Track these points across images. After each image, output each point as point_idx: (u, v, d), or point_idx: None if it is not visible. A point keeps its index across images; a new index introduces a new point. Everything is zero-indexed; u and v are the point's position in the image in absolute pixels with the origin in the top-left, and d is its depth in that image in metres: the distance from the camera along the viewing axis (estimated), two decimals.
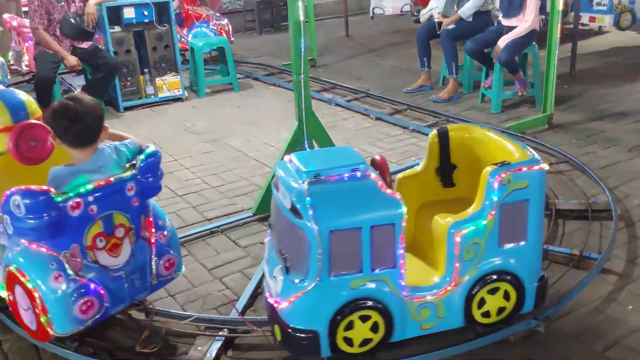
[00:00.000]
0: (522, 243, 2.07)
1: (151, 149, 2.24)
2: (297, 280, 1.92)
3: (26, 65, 6.16)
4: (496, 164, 2.01)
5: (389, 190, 1.92)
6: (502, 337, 2.18)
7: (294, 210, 1.88)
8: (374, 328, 1.99)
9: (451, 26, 5.18)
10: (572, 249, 2.68)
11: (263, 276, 2.34)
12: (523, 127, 4.33)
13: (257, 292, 2.56)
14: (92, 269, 2.08)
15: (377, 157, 2.10)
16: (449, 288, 2.03)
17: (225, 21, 7.06)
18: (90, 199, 2.03)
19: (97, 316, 2.09)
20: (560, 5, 4.07)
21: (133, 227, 2.17)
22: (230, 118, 5.18)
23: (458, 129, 2.43)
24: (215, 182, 3.83)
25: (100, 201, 2.05)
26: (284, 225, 1.98)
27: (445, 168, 2.42)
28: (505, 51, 4.66)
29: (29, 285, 2.00)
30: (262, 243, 2.73)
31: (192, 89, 6.07)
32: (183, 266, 2.43)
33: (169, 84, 5.63)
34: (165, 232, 2.30)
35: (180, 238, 3.06)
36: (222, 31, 6.88)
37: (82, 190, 2.01)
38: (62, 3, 5.00)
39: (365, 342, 2.01)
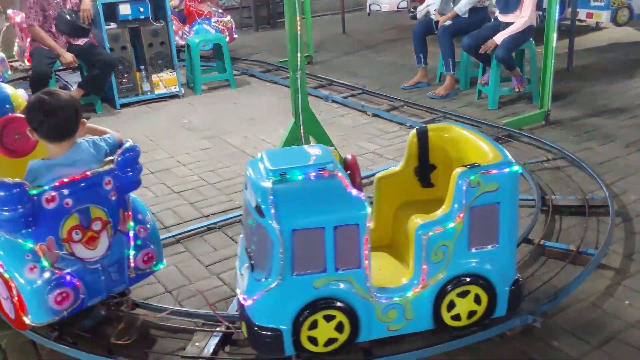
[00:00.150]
0: (494, 246, 2.03)
1: (130, 143, 2.26)
2: (261, 279, 1.93)
3: (29, 61, 6.13)
4: (465, 166, 1.98)
5: (354, 191, 1.90)
6: (499, 332, 2.18)
7: (258, 208, 1.88)
8: (339, 328, 1.98)
9: (448, 22, 5.18)
10: (569, 245, 2.68)
11: None
12: (520, 124, 4.33)
13: None
14: (68, 261, 2.12)
15: (349, 157, 2.09)
16: (416, 290, 2.01)
17: (228, 18, 6.99)
18: (66, 192, 2.06)
19: (73, 307, 2.13)
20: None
21: (111, 221, 2.20)
22: (227, 115, 5.17)
23: (437, 129, 2.38)
24: (212, 179, 3.82)
25: (76, 195, 2.09)
26: (250, 223, 1.99)
27: (423, 168, 2.39)
28: (502, 47, 4.65)
29: (6, 276, 2.06)
30: None
31: (189, 86, 6.05)
32: (164, 260, 2.44)
33: (166, 80, 5.61)
34: (145, 226, 2.33)
35: (177, 235, 3.09)
36: (225, 28, 6.81)
37: (56, 183, 2.05)
38: (58, 0, 4.98)
39: (330, 341, 2.00)
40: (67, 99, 2.14)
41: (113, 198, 2.20)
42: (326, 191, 1.90)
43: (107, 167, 2.18)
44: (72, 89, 5.29)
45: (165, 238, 3.07)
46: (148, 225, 2.35)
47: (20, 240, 2.05)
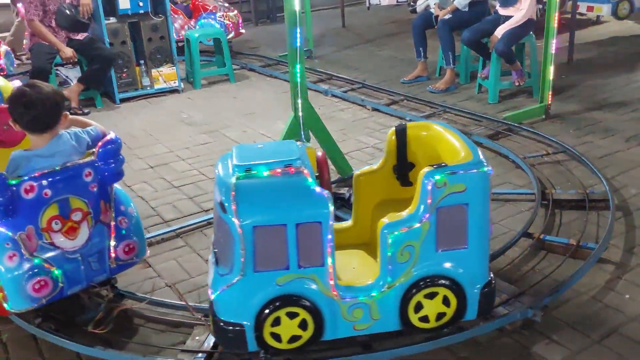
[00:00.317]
0: (463, 248, 1.99)
1: (111, 136, 2.28)
2: (224, 274, 1.94)
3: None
4: (432, 166, 1.94)
5: (318, 188, 1.88)
6: (499, 326, 2.18)
7: (221, 204, 1.88)
8: (303, 325, 1.97)
9: (448, 16, 5.16)
10: (569, 239, 2.68)
11: None
12: (520, 118, 4.32)
13: None
14: (48, 250, 2.15)
15: (319, 154, 2.09)
16: (382, 290, 1.99)
17: (234, 12, 6.92)
18: (45, 183, 2.10)
19: (52, 295, 2.16)
20: None
21: (91, 212, 2.23)
22: (226, 109, 5.16)
23: (416, 127, 2.35)
24: (212, 174, 3.81)
25: (55, 185, 2.12)
26: (216, 218, 1.98)
27: (402, 166, 2.35)
28: (502, 41, 4.64)
29: None
30: None
31: (188, 80, 6.04)
32: (147, 251, 2.47)
33: (165, 75, 5.60)
34: (127, 218, 2.35)
35: (177, 229, 3.10)
36: (231, 22, 6.74)
37: (35, 174, 2.09)
38: None
39: (294, 338, 1.99)
40: (48, 92, 2.17)
41: (94, 189, 2.23)
42: (290, 188, 1.89)
43: (87, 159, 2.22)
44: (72, 84, 5.28)
45: (165, 232, 3.08)
46: (128, 217, 2.36)
47: (0, 229, 2.08)
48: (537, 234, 2.74)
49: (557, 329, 2.19)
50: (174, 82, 5.66)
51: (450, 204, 1.93)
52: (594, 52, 6.18)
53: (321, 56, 6.85)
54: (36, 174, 2.09)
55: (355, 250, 2.34)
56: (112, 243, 2.30)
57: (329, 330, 2.01)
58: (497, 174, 3.53)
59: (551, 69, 4.25)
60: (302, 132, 3.27)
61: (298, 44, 3.06)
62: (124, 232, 2.33)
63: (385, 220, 1.97)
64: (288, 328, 1.97)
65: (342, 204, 3.05)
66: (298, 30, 3.05)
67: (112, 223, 2.30)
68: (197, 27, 6.70)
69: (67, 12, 4.97)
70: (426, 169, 1.93)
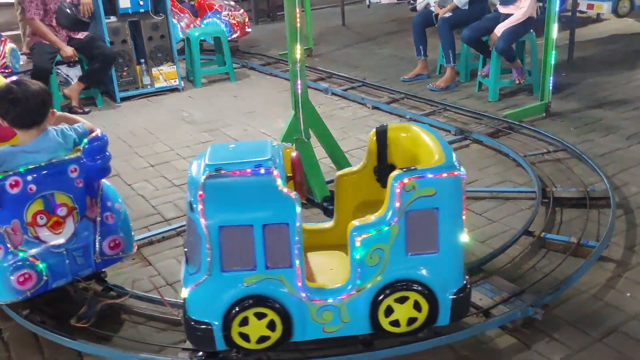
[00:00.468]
0: (434, 253, 1.96)
1: (97, 132, 2.32)
2: (192, 272, 1.94)
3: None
4: (402, 169, 1.92)
5: (286, 189, 1.88)
6: (500, 324, 2.18)
7: (190, 203, 1.89)
8: (271, 326, 1.97)
9: (448, 14, 5.16)
10: (570, 237, 2.68)
11: None
12: (520, 116, 4.32)
13: None
14: (33, 244, 2.20)
15: (293, 154, 2.09)
16: (352, 293, 1.97)
17: (241, 11, 6.82)
18: (29, 178, 2.15)
19: (37, 288, 2.21)
20: None
21: (77, 207, 2.26)
22: (227, 108, 5.16)
23: (396, 129, 2.32)
24: None
25: (40, 181, 2.17)
26: (187, 217, 1.99)
27: (382, 168, 2.32)
28: (502, 39, 4.63)
29: None
30: None
31: (189, 79, 6.04)
32: (134, 247, 2.49)
33: (166, 74, 5.60)
34: (113, 214, 2.38)
35: (177, 227, 3.09)
36: (236, 22, 6.65)
37: (20, 169, 2.14)
38: None
39: (263, 339, 1.99)
40: (34, 89, 2.21)
41: (79, 185, 2.26)
42: (258, 189, 1.88)
43: (73, 155, 2.25)
44: (72, 83, 5.29)
45: (166, 231, 3.08)
46: (114, 213, 2.39)
47: None
48: (537, 232, 2.74)
49: (558, 327, 2.19)
50: (175, 81, 5.65)
51: (419, 208, 1.91)
52: (594, 50, 6.18)
53: (321, 54, 6.85)
54: (20, 169, 2.14)
55: (335, 251, 2.33)
56: (98, 238, 2.33)
57: (297, 332, 2.00)
58: (497, 172, 3.54)
59: (551, 67, 4.24)
60: (303, 131, 3.27)
61: (298, 42, 3.05)
62: (110, 227, 2.36)
63: (354, 222, 1.96)
64: (256, 328, 1.97)
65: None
66: (298, 28, 3.05)
67: (98, 218, 2.34)
68: (203, 26, 6.68)
69: (68, 11, 4.97)
70: (395, 172, 1.92)
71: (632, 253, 2.62)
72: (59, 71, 5.41)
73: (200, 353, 2.09)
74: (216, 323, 1.95)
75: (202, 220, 1.84)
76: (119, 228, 2.39)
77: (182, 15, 6.66)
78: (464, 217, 1.99)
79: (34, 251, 2.20)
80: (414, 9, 6.26)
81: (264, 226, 1.86)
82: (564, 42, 5.56)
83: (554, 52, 4.21)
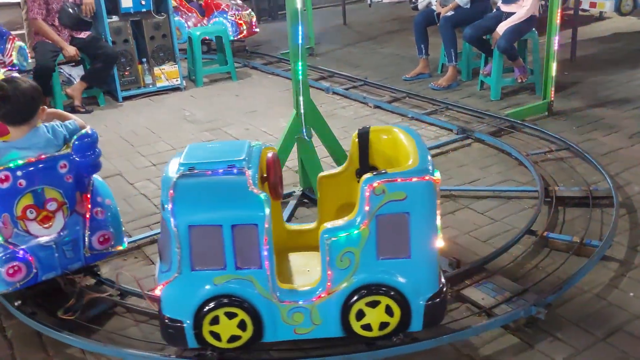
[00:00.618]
0: (406, 257, 1.94)
1: (87, 129, 2.37)
2: (165, 270, 1.96)
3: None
4: (372, 172, 1.92)
5: (256, 190, 1.87)
6: (503, 323, 2.18)
7: (162, 202, 1.90)
8: (242, 326, 1.98)
9: (449, 13, 5.15)
10: (572, 236, 2.67)
11: None
12: (523, 114, 4.31)
13: None
14: (23, 237, 2.26)
15: (269, 155, 2.09)
16: (322, 295, 1.96)
17: (248, 11, 6.77)
18: (19, 173, 2.21)
19: (26, 280, 2.27)
20: None
21: (67, 202, 2.32)
22: (228, 107, 5.16)
23: (378, 131, 2.30)
24: None
25: (29, 176, 2.22)
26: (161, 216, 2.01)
27: (364, 170, 2.29)
28: (504, 38, 4.63)
29: None
30: None
31: (191, 78, 6.04)
32: (125, 242, 2.52)
33: (167, 73, 5.60)
34: (104, 209, 2.43)
35: None
36: (243, 22, 6.62)
37: (10, 165, 2.19)
38: None
39: (234, 338, 2.00)
40: (24, 87, 2.27)
41: (69, 181, 2.31)
42: (228, 189, 1.88)
43: (62, 151, 2.30)
44: (75, 82, 5.29)
45: None
46: (104, 209, 2.43)
47: None
48: (540, 232, 2.73)
49: (561, 326, 2.18)
50: (176, 80, 5.66)
51: (390, 212, 1.88)
52: (596, 48, 6.16)
53: (323, 54, 6.84)
54: (10, 165, 2.19)
55: (316, 252, 2.32)
56: (87, 233, 2.38)
57: (268, 332, 2.00)
58: (500, 171, 3.53)
59: (554, 66, 4.24)
60: (304, 130, 3.26)
61: (300, 41, 3.05)
62: (99, 222, 2.40)
63: (326, 225, 1.96)
64: (227, 327, 1.98)
65: None
66: (300, 28, 3.04)
67: (88, 214, 2.38)
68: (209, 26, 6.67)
69: (70, 10, 4.98)
70: (365, 175, 1.91)
71: (635, 252, 2.61)
72: (62, 70, 5.42)
73: (209, 352, 2.08)
74: (188, 321, 1.97)
75: (172, 219, 1.86)
76: (108, 223, 2.43)
77: (189, 14, 6.66)
78: (438, 222, 1.97)
79: (23, 244, 2.25)
80: (416, 8, 6.25)
81: (233, 226, 1.87)
82: (566, 40, 5.54)
83: (556, 50, 4.19)
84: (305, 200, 3.33)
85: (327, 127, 3.40)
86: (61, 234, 2.31)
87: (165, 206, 1.87)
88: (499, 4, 4.88)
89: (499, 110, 4.48)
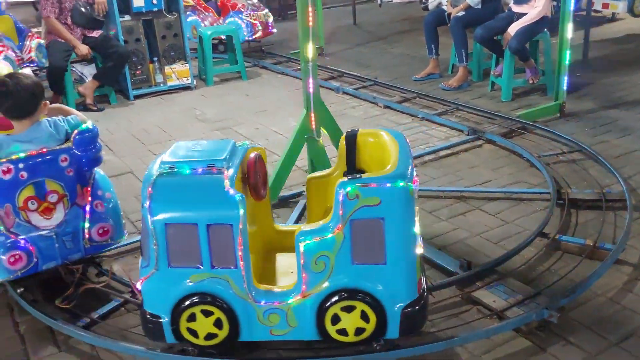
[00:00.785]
0: (381, 264, 1.91)
1: (89, 124, 2.44)
2: (144, 265, 2.00)
3: None
4: (347, 176, 1.90)
5: (232, 191, 1.88)
6: (515, 326, 2.16)
7: (142, 199, 1.93)
8: (218, 324, 1.98)
9: (460, 13, 5.13)
10: (585, 239, 2.65)
11: None
12: (534, 116, 4.28)
13: None
14: (24, 227, 2.34)
15: (252, 156, 2.10)
16: (297, 298, 1.96)
17: (265, 11, 6.72)
18: (21, 165, 2.29)
19: (27, 269, 2.34)
20: None
21: (67, 195, 2.39)
22: (239, 106, 5.17)
23: (366, 134, 2.29)
24: None
25: (31, 168, 2.30)
26: None
27: (351, 173, 2.25)
28: (516, 38, 4.60)
29: None
30: None
31: (201, 78, 6.06)
32: (125, 234, 2.58)
33: (178, 72, 5.62)
34: (104, 202, 2.49)
35: None
36: (258, 22, 6.59)
37: (12, 157, 2.27)
38: None
39: (211, 336, 2.01)
40: (26, 83, 2.35)
41: (70, 174, 2.38)
42: (205, 188, 1.90)
43: (64, 146, 2.37)
44: (87, 81, 5.32)
45: None
46: (108, 201, 2.49)
47: None
48: (552, 234, 2.71)
49: (574, 330, 2.16)
50: (187, 79, 5.68)
51: (364, 217, 1.87)
52: (609, 49, 6.11)
53: (333, 53, 6.84)
54: (13, 157, 2.27)
55: None
56: (87, 225, 2.43)
57: (244, 332, 2.01)
58: (511, 172, 3.51)
59: (566, 67, 4.20)
60: (314, 129, 3.26)
61: (310, 40, 3.04)
62: (99, 215, 2.46)
63: (303, 227, 1.96)
64: (203, 325, 1.99)
65: None
66: (310, 27, 3.04)
67: (88, 206, 2.44)
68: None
69: (83, 9, 5.02)
70: (340, 179, 1.90)
71: None
72: (74, 69, 5.46)
73: (190, 349, 2.08)
74: (165, 317, 2.00)
75: (149, 216, 1.89)
76: (108, 216, 2.49)
77: (206, 13, 6.68)
78: (416, 229, 1.94)
79: (24, 234, 2.33)
80: (426, 8, 6.24)
81: (209, 226, 1.88)
82: (578, 41, 5.50)
83: (568, 51, 4.16)
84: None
85: (337, 127, 3.39)
86: (61, 225, 2.38)
87: (144, 204, 1.91)
88: (511, 4, 4.85)
89: (510, 111, 4.46)
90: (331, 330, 1.99)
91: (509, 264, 2.56)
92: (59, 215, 2.37)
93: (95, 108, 5.15)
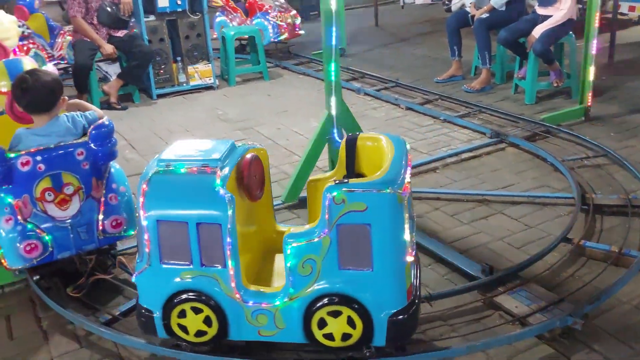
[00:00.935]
0: (367, 270, 1.89)
1: (104, 120, 2.51)
2: (138, 261, 2.04)
3: None
4: (335, 181, 1.89)
5: (222, 191, 1.89)
6: (537, 333, 2.14)
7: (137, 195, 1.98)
8: (207, 322, 2.00)
9: (484, 15, 5.09)
10: (610, 246, 2.61)
11: None
12: (558, 119, 4.23)
13: None
14: (41, 217, 2.41)
15: (247, 156, 2.11)
16: (285, 300, 1.96)
17: (293, 13, 6.72)
18: (39, 158, 2.37)
19: (42, 258, 2.41)
20: None
21: (83, 187, 2.47)
22: (260, 106, 5.20)
23: (366, 138, 2.28)
24: None
25: (48, 161, 2.38)
26: None
27: (350, 177, 2.26)
28: (541, 41, 4.55)
29: None
30: None
31: (223, 78, 6.10)
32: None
33: (201, 72, 5.67)
34: (118, 195, 2.55)
35: None
36: (284, 23, 6.58)
37: (31, 150, 2.36)
38: None
39: (201, 333, 2.03)
40: (45, 80, 2.42)
41: (86, 167, 2.45)
42: (196, 188, 1.93)
43: (81, 140, 2.45)
44: (111, 79, 5.41)
45: None
46: (122, 195, 2.56)
47: (0, 195, 2.36)
48: (577, 240, 2.67)
49: (598, 338, 2.13)
50: (209, 79, 5.73)
51: (351, 222, 1.85)
52: (635, 53, 6.01)
53: (354, 54, 6.84)
54: (32, 150, 2.35)
55: None
56: (101, 217, 2.50)
57: (233, 331, 2.02)
58: (535, 176, 3.47)
59: (591, 70, 4.15)
60: (336, 130, 3.26)
61: (333, 42, 3.05)
62: (113, 207, 2.53)
63: (291, 230, 1.97)
64: (193, 322, 2.01)
65: None
66: (334, 29, 3.04)
67: (102, 199, 2.51)
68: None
69: (109, 9, 5.10)
70: (328, 184, 1.90)
71: None
72: (99, 68, 5.55)
73: (184, 344, 2.09)
74: (157, 312, 2.03)
75: (142, 213, 1.93)
76: (121, 209, 2.55)
77: (234, 14, 6.73)
78: (406, 237, 1.91)
79: (41, 224, 2.40)
80: (449, 10, 6.20)
81: (198, 224, 1.91)
82: (604, 44, 5.42)
83: (593, 54, 4.10)
84: None
85: (358, 128, 3.39)
86: (77, 216, 2.46)
87: (139, 200, 1.96)
88: (535, 6, 4.80)
89: (533, 115, 4.41)
90: (318, 334, 1.99)
91: (531, 269, 2.54)
92: (74, 206, 2.45)
93: (119, 107, 5.23)
